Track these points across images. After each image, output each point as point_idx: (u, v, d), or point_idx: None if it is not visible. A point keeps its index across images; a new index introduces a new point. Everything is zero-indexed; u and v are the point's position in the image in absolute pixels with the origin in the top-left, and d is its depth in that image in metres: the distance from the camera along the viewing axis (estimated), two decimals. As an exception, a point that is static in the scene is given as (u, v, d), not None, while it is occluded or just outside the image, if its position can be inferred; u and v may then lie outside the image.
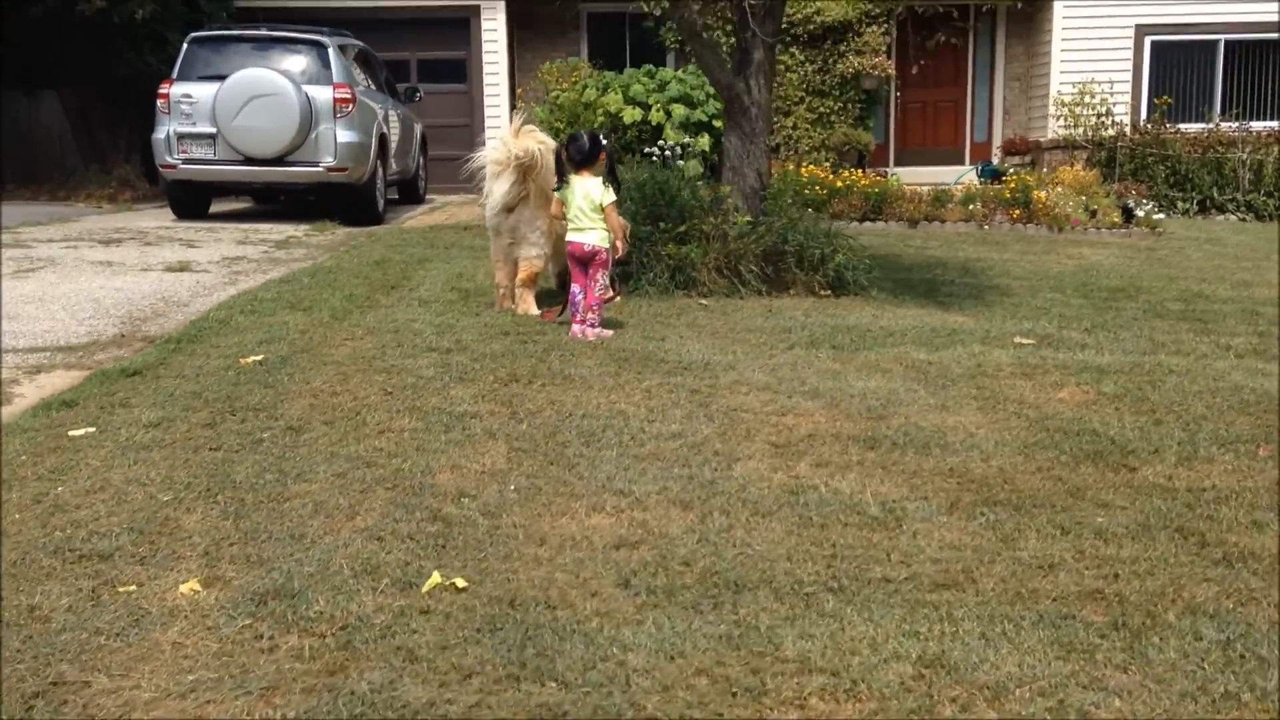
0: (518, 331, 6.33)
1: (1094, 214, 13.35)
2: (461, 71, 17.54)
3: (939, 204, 13.22)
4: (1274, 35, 16.88)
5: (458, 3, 16.72)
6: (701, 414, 4.79)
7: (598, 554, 3.28)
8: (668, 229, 7.82)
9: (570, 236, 6.35)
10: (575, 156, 6.28)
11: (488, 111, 17.31)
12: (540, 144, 6.77)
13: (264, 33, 12.50)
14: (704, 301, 7.46)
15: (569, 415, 4.70)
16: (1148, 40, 16.93)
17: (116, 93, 14.81)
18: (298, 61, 12.16)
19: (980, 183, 15.76)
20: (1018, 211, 13.04)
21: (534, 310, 7.02)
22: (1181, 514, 3.75)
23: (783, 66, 16.73)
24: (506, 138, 6.86)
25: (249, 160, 11.86)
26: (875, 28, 16.71)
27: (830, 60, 16.77)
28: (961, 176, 16.59)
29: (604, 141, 6.38)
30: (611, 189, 6.28)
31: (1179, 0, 16.78)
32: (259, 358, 5.42)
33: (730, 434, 4.54)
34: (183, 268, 8.42)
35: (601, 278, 6.33)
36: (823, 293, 7.79)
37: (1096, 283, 9.07)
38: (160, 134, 11.98)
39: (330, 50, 12.19)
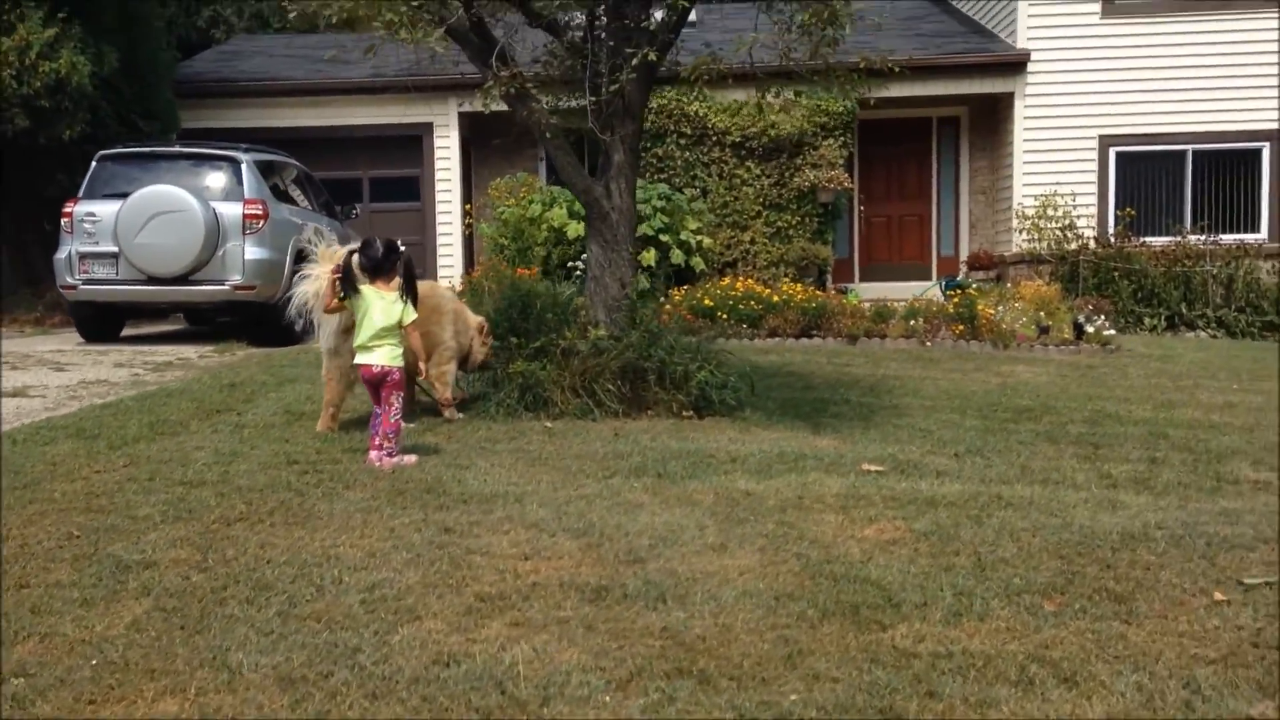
0: (309, 459, 5.76)
1: (1045, 330, 12.71)
2: (414, 189, 17.30)
3: (880, 319, 12.64)
4: (1244, 145, 16.37)
5: (410, 120, 16.49)
6: (428, 558, 4.17)
7: (106, 752, 2.63)
8: (521, 344, 7.27)
9: (359, 358, 5.79)
10: (366, 265, 5.75)
11: (439, 229, 17.02)
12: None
13: (175, 149, 12.26)
14: (549, 425, 6.86)
15: (266, 563, 4.09)
16: (1112, 151, 16.44)
17: (51, 215, 14.58)
18: (209, 177, 11.85)
19: (944, 298, 15.20)
20: (961, 328, 12.42)
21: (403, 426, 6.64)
22: (899, 690, 3.07)
23: (739, 180, 16.39)
24: (319, 266, 6.45)
25: (152, 279, 11.47)
26: (831, 140, 16.35)
27: (787, 174, 16.38)
28: (924, 292, 16.03)
29: (401, 250, 5.84)
30: (411, 306, 5.75)
31: (1145, 110, 16.31)
32: (-38, 494, 4.86)
33: (440, 584, 3.90)
34: (17, 394, 7.93)
35: (396, 401, 5.75)
36: (685, 414, 7.16)
37: (1007, 403, 8.39)
38: (62, 254, 11.64)
39: (244, 165, 11.88)
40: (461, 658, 3.25)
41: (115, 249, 11.41)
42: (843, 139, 16.50)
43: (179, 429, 6.61)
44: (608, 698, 3.04)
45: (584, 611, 3.66)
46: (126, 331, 13.08)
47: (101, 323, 12.17)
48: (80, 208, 11.63)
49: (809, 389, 8.80)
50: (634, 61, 6.66)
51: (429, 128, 16.86)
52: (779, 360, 10.59)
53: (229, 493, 5.05)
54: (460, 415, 7.12)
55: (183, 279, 11.48)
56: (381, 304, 5.72)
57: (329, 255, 6.34)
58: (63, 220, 11.71)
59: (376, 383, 5.73)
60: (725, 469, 5.76)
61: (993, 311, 12.77)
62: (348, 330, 6.39)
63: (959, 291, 14.41)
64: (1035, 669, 3.23)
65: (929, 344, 12.24)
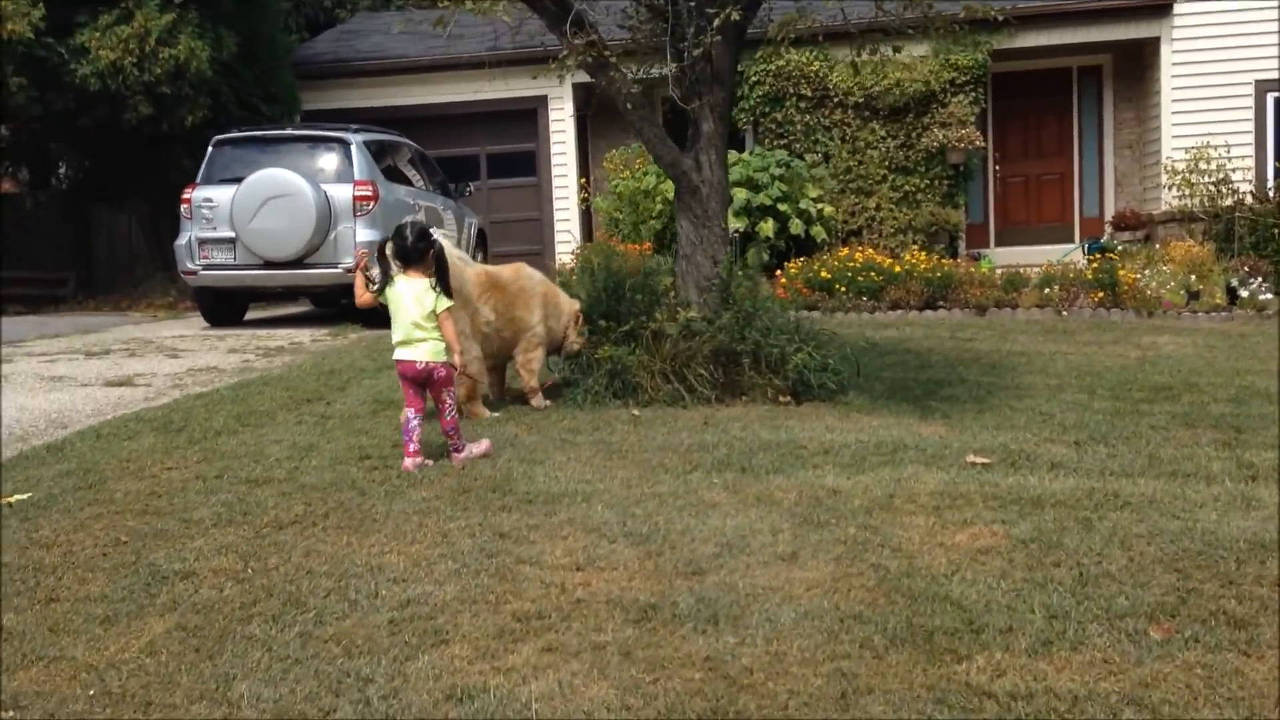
0: (382, 454, 5.57)
1: (1195, 296, 11.84)
2: (531, 164, 17.13)
3: (1012, 288, 11.94)
4: None
5: (524, 94, 16.27)
6: (473, 569, 3.92)
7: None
8: (610, 328, 6.97)
9: (397, 354, 5.43)
10: (396, 252, 5.40)
11: (556, 204, 16.83)
12: None
13: (288, 131, 12.28)
14: (637, 413, 6.55)
15: (306, 573, 3.90)
16: (1270, 97, 15.20)
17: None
18: (320, 159, 11.85)
19: (1087, 262, 14.32)
20: (1101, 295, 11.64)
21: (487, 414, 6.53)
22: (961, 743, 2.67)
23: (863, 143, 15.75)
24: None
25: (268, 264, 11.55)
26: (962, 96, 15.54)
27: (913, 134, 15.66)
28: (1066, 255, 15.13)
29: (433, 237, 5.45)
30: (444, 295, 5.40)
31: (1307, 52, 15.04)
32: (24, 496, 4.80)
33: (478, 600, 3.64)
34: (123, 383, 7.99)
35: (449, 398, 5.47)
36: (782, 399, 6.77)
37: (1144, 380, 7.74)
38: (182, 240, 11.81)
39: (353, 147, 11.83)
40: (477, 692, 2.98)
41: (232, 234, 11.51)
42: (974, 94, 15.68)
43: (265, 420, 6.52)
44: (628, 745, 2.72)
45: (625, 635, 3.35)
46: (252, 314, 13.28)
47: (224, 307, 12.34)
48: (198, 193, 11.77)
49: (924, 368, 8.28)
50: (716, 23, 6.25)
51: (543, 100, 16.62)
52: (897, 336, 10.07)
53: (291, 492, 4.90)
54: (548, 403, 6.88)
55: (297, 262, 11.51)
56: (413, 293, 5.37)
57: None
58: (182, 206, 11.88)
59: (421, 380, 5.43)
60: (815, 462, 5.36)
61: (1136, 276, 11.94)
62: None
63: (1101, 255, 13.57)
64: (1129, 714, 2.80)
65: (1065, 314, 11.52)
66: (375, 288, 5.43)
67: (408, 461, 5.25)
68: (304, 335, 11.13)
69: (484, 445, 5.53)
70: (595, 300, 7.19)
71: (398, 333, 5.40)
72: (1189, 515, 4.38)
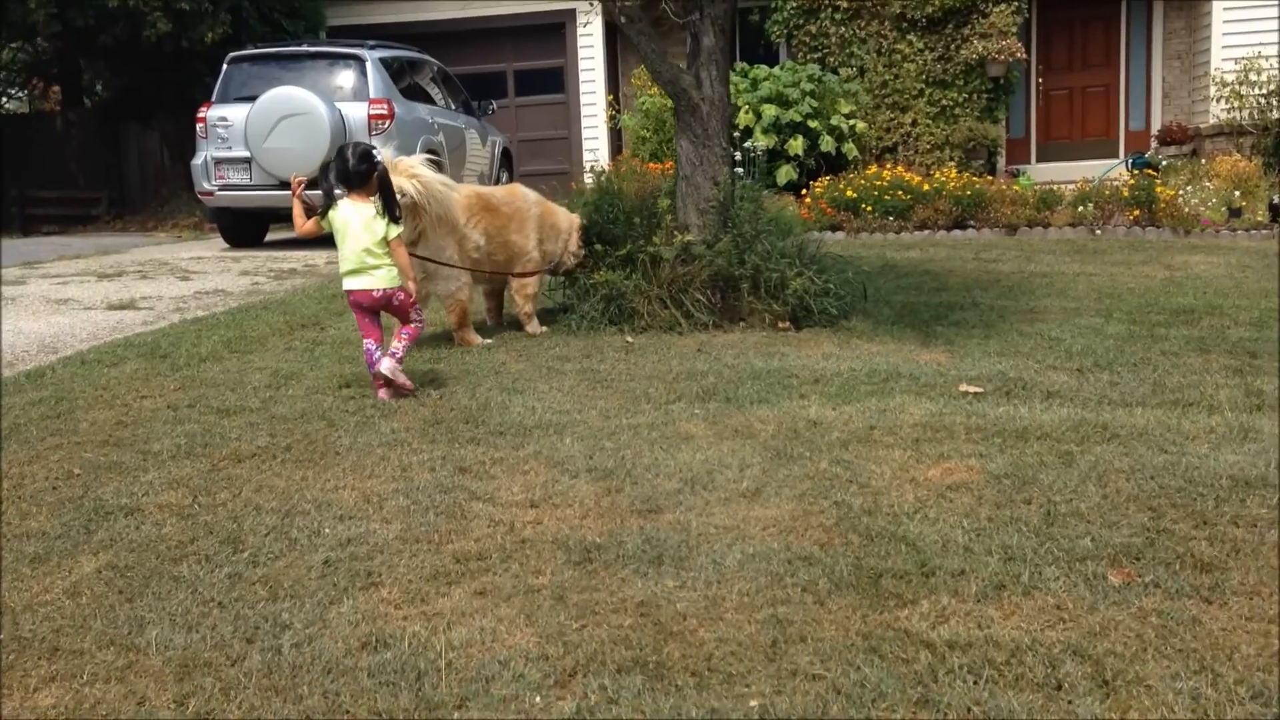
0: (363, 382, 5.45)
1: (1236, 213, 11.38)
2: (559, 80, 16.80)
3: (1045, 207, 11.55)
4: None
5: (550, 7, 15.92)
6: (424, 505, 3.81)
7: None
8: (605, 252, 6.79)
9: (350, 284, 5.21)
10: (339, 176, 5.17)
11: (585, 123, 16.52)
12: (413, 178, 5.91)
13: (303, 49, 12.08)
14: (631, 340, 6.40)
15: (254, 509, 3.81)
16: (1328, 4, 14.51)
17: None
18: (336, 77, 11.67)
19: (1131, 176, 13.83)
20: (1136, 213, 11.22)
21: (479, 341, 6.42)
22: (886, 695, 2.54)
23: (899, 56, 15.25)
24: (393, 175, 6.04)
25: (284, 184, 11.41)
26: (1004, 6, 14.95)
27: (952, 46, 15.12)
28: (1109, 171, 14.63)
29: (377, 159, 5.21)
30: (392, 221, 5.17)
31: (1370, -46, 14.27)
32: (-8, 426, 4.77)
33: (421, 540, 3.53)
34: (126, 306, 7.96)
35: (416, 315, 5.34)
36: (781, 325, 6.57)
37: (1165, 302, 7.43)
38: (198, 160, 11.74)
39: (369, 64, 11.63)
40: (394, 640, 2.87)
41: (247, 154, 11.40)
42: (1016, 3, 15.07)
43: (255, 346, 6.45)
44: (538, 698, 2.61)
45: (563, 577, 3.23)
46: (274, 235, 13.22)
47: (243, 228, 12.28)
48: (213, 112, 11.66)
49: (939, 290, 8.02)
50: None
51: (571, 14, 16.22)
52: (919, 257, 9.78)
53: (259, 422, 4.82)
54: (544, 329, 6.74)
55: (313, 183, 11.34)
56: (361, 219, 5.14)
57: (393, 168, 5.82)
58: (197, 125, 11.78)
59: (378, 308, 5.26)
60: (802, 392, 5.19)
61: (1175, 193, 11.49)
62: (412, 245, 5.98)
63: (1142, 171, 13.10)
64: (1070, 667, 2.64)
65: (1099, 232, 11.13)
66: (318, 213, 5.26)
67: (382, 393, 5.14)
68: (320, 257, 11.03)
69: (408, 385, 5.20)
70: (592, 224, 7.00)
71: (347, 261, 5.20)
72: (1178, 449, 4.17)
